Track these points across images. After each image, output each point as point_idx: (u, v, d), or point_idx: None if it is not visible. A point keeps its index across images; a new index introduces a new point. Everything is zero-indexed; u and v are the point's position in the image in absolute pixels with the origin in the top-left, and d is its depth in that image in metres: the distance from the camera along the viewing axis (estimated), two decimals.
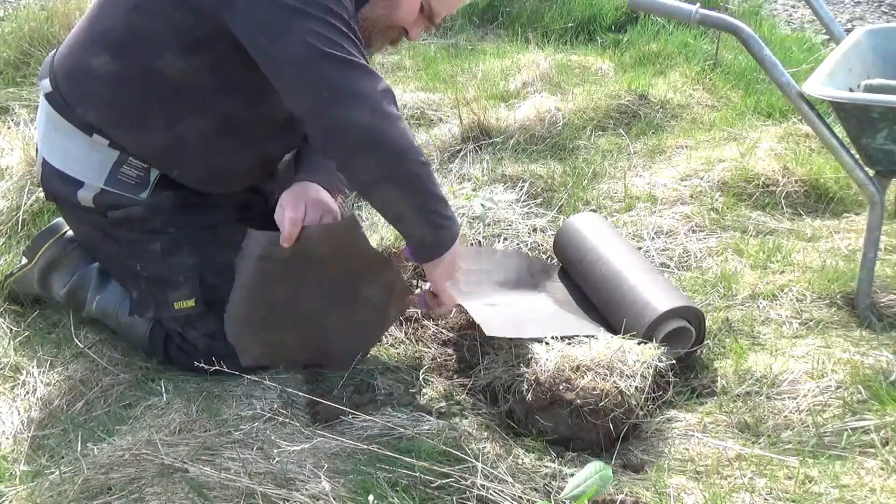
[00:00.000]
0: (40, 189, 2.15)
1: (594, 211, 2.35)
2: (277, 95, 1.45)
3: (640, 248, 2.14)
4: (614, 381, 1.52)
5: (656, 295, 1.71)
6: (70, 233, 1.82)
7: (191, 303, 1.63)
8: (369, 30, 1.57)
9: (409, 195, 1.49)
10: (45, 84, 1.61)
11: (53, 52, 1.66)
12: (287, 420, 1.52)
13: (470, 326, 1.83)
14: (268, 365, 1.66)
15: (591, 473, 1.12)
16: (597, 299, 1.85)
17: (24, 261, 1.83)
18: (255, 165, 1.71)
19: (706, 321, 1.75)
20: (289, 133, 1.69)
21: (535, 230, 2.21)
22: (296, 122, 1.63)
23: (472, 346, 1.77)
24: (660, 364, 1.60)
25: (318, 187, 1.64)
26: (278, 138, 1.70)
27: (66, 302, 1.80)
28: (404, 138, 1.44)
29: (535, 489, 1.36)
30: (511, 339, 1.66)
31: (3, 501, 1.35)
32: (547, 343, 1.61)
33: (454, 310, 1.82)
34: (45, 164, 1.65)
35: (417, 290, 1.81)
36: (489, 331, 1.62)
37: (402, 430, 1.48)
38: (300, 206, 1.57)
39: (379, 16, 1.56)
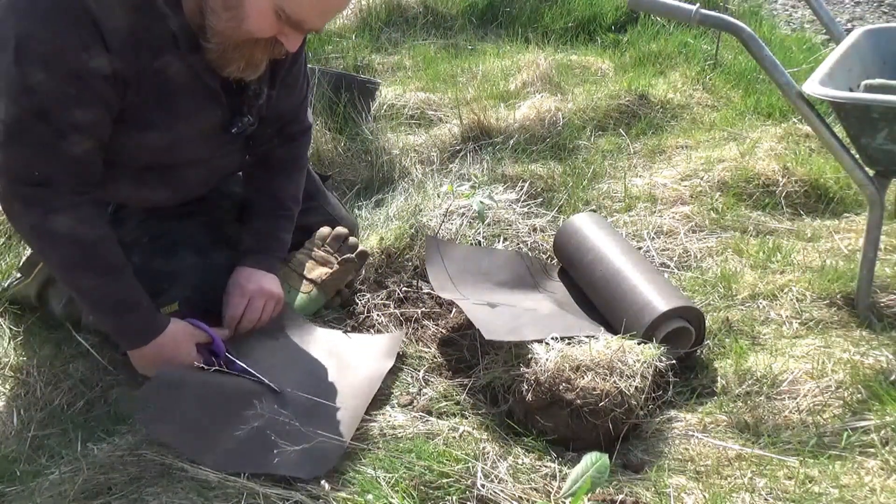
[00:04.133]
0: None
1: (594, 211, 2.35)
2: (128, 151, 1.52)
3: (640, 248, 2.14)
4: (614, 381, 1.52)
5: (656, 295, 1.71)
6: None
7: (174, 306, 1.65)
8: (223, 46, 1.42)
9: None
10: None
11: None
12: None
13: (470, 326, 1.83)
14: None
15: (587, 466, 1.11)
16: (597, 299, 1.85)
17: (18, 275, 1.84)
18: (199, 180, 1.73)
19: (706, 321, 1.75)
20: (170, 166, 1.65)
21: (535, 230, 2.21)
22: (177, 155, 1.60)
23: (472, 346, 1.77)
24: (660, 364, 1.60)
25: (261, 274, 1.72)
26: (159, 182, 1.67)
27: (65, 316, 1.80)
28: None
29: (535, 489, 1.36)
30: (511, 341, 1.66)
31: (4, 501, 1.35)
32: (547, 343, 1.61)
33: (454, 310, 1.82)
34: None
35: None
36: (488, 334, 1.62)
37: (402, 430, 1.48)
38: (243, 301, 1.68)
39: (227, 29, 1.39)
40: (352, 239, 1.94)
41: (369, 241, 2.10)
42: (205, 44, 1.43)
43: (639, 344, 1.62)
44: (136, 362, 1.57)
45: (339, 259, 1.88)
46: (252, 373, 1.58)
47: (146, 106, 1.46)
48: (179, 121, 1.52)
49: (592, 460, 1.12)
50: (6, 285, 1.85)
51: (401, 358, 1.75)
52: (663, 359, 1.61)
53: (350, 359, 1.69)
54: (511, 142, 2.73)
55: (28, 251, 1.88)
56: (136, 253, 1.66)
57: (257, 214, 1.78)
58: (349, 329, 1.83)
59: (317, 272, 1.91)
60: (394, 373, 1.70)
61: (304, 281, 1.89)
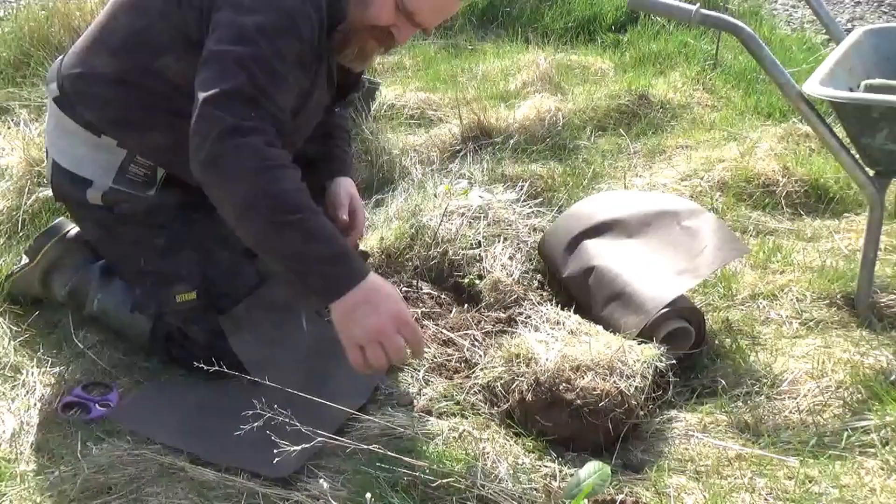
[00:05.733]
0: (40, 189, 2.15)
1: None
2: None
3: None
4: (614, 381, 1.52)
5: (654, 294, 1.71)
6: (72, 233, 1.82)
7: (192, 295, 1.65)
8: (346, 30, 1.53)
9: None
10: (53, 88, 1.65)
11: (62, 56, 1.70)
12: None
13: (470, 326, 1.83)
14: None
15: (590, 472, 1.12)
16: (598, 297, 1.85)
17: (25, 260, 1.84)
18: None
19: (706, 321, 1.75)
20: (289, 133, 1.69)
21: (534, 230, 2.21)
22: (298, 123, 1.63)
23: (471, 347, 1.77)
24: (660, 364, 1.60)
25: (351, 182, 1.85)
26: None
27: (68, 302, 1.80)
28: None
29: (535, 489, 1.36)
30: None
31: (4, 501, 1.35)
32: (546, 342, 1.62)
33: (454, 310, 1.80)
34: (54, 165, 1.69)
35: None
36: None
37: (402, 430, 1.48)
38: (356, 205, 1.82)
39: (354, 13, 1.51)
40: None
41: (369, 241, 2.10)
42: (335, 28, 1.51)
43: (639, 344, 1.62)
44: (345, 314, 1.34)
45: None
46: None
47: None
48: (316, 90, 1.59)
49: (595, 468, 1.13)
50: (11, 272, 1.86)
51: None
52: (663, 359, 1.61)
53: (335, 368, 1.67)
54: (511, 142, 2.72)
55: (35, 236, 1.87)
56: (162, 235, 1.66)
57: (325, 142, 1.86)
58: None
59: None
60: (394, 373, 1.70)
61: None
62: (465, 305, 1.95)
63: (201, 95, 1.36)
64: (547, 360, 1.55)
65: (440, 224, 2.10)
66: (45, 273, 1.81)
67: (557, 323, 1.75)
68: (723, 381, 1.66)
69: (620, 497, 1.34)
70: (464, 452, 1.40)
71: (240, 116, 1.34)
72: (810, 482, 1.37)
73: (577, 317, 1.78)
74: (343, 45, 1.55)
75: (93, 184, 1.63)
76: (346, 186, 1.83)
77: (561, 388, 1.51)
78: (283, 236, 1.33)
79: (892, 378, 1.57)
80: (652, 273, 1.79)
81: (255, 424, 1.33)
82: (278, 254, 1.36)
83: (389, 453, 1.38)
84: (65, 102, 1.63)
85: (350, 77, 1.73)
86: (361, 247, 1.99)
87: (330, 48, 1.55)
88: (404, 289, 1.97)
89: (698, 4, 1.75)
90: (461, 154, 2.66)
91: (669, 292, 1.70)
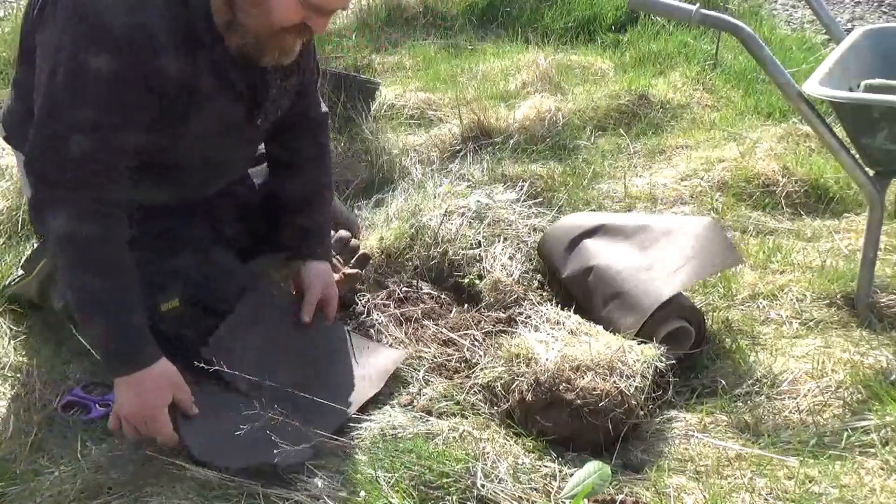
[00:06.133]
0: None
1: (594, 210, 2.34)
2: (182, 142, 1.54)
3: None
4: (614, 381, 1.52)
5: (652, 293, 1.71)
6: None
7: (175, 303, 1.64)
8: (259, 39, 1.49)
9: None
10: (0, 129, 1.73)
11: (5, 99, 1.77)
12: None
13: (470, 326, 1.83)
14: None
15: (590, 472, 1.12)
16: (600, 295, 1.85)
17: (20, 272, 1.84)
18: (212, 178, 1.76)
19: (706, 321, 1.75)
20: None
21: (534, 230, 2.21)
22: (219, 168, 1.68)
23: (471, 347, 1.77)
24: (660, 364, 1.60)
25: (328, 269, 1.79)
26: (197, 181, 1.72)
27: (65, 314, 1.80)
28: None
29: (535, 489, 1.36)
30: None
31: (4, 501, 1.35)
32: (546, 342, 1.62)
33: (454, 310, 1.81)
34: (28, 203, 1.69)
35: None
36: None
37: (402, 430, 1.48)
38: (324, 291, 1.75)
39: (258, 24, 1.47)
40: (353, 242, 1.94)
41: (369, 241, 2.10)
42: (237, 39, 1.49)
43: (639, 344, 1.62)
44: (118, 392, 1.47)
45: (343, 272, 1.89)
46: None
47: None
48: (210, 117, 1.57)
49: (595, 468, 1.13)
50: (8, 283, 1.85)
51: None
52: (663, 359, 1.61)
53: (347, 364, 1.70)
54: (511, 142, 2.73)
55: (30, 249, 1.87)
56: (136, 249, 1.65)
57: (302, 211, 1.81)
58: (349, 328, 1.83)
59: None
60: (394, 373, 1.70)
61: None
62: (465, 305, 1.95)
63: None
64: (547, 360, 1.55)
65: (440, 224, 2.10)
66: (42, 286, 1.80)
67: (557, 323, 1.75)
68: (723, 381, 1.66)
69: (620, 497, 1.34)
70: (464, 452, 1.40)
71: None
72: (810, 482, 1.37)
73: (577, 317, 1.78)
74: (260, 52, 1.52)
75: None
76: (319, 276, 1.76)
77: (561, 388, 1.51)
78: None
79: (892, 378, 1.57)
80: (651, 272, 1.79)
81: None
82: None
83: (389, 453, 1.38)
84: (10, 138, 1.72)
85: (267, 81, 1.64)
86: (363, 249, 1.99)
87: (231, 62, 1.52)
88: (404, 289, 1.96)
89: (698, 4, 1.75)
90: (461, 154, 2.66)
91: (666, 290, 1.70)
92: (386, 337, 1.81)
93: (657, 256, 1.81)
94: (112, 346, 1.46)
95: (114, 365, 1.46)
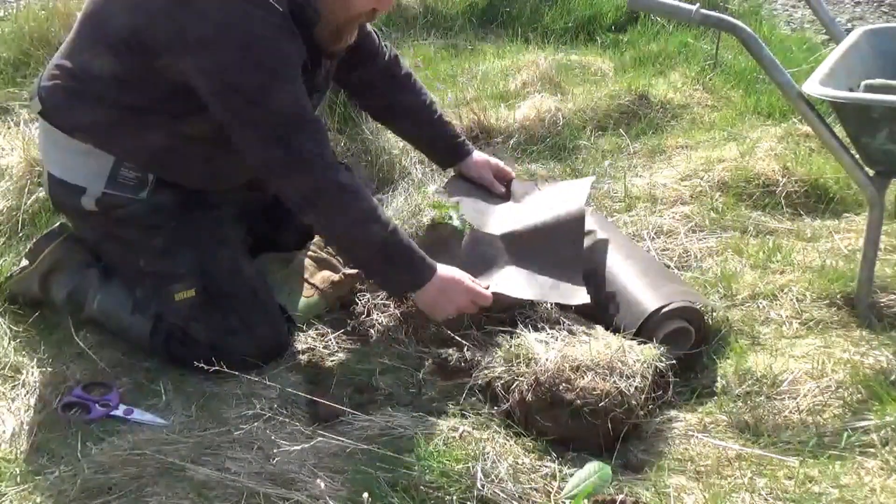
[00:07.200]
0: (40, 189, 2.16)
1: (594, 210, 2.34)
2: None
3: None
4: (614, 381, 1.52)
5: (652, 294, 1.71)
6: (71, 236, 1.83)
7: (191, 292, 1.68)
8: (339, 27, 1.64)
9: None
10: (36, 103, 1.67)
11: (40, 75, 1.72)
12: (287, 420, 1.53)
13: (470, 326, 1.83)
14: None
15: (590, 473, 1.12)
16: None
17: (25, 262, 1.84)
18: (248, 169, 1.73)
19: (706, 321, 1.75)
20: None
21: None
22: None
23: (472, 347, 1.76)
24: (660, 364, 1.59)
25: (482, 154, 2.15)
26: None
27: (66, 304, 1.81)
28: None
29: (535, 489, 1.36)
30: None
31: (3, 501, 1.35)
32: (546, 343, 1.61)
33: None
34: (49, 176, 1.72)
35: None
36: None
37: (402, 430, 1.48)
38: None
39: (338, 11, 1.61)
40: None
41: None
42: (319, 30, 1.61)
43: (639, 344, 1.62)
44: (427, 299, 1.71)
45: (343, 272, 1.89)
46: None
47: None
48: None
49: (595, 468, 1.13)
50: (10, 274, 1.86)
51: (401, 357, 1.75)
52: (663, 359, 1.61)
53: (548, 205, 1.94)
54: (511, 142, 2.73)
55: (34, 239, 1.88)
56: (159, 237, 1.69)
57: (440, 117, 2.10)
58: (350, 328, 1.84)
59: (319, 276, 1.91)
60: (394, 373, 1.70)
61: (306, 284, 1.89)
62: None
63: None
64: (547, 360, 1.55)
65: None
66: (44, 276, 1.81)
67: (557, 323, 1.75)
68: (723, 381, 1.66)
69: (620, 497, 1.34)
70: (464, 452, 1.40)
71: None
72: (810, 482, 1.37)
73: (577, 317, 1.78)
74: (336, 38, 1.66)
75: (86, 190, 1.66)
76: (485, 161, 2.11)
77: (561, 388, 1.51)
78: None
79: (892, 378, 1.57)
80: (650, 272, 1.79)
81: None
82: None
83: (389, 453, 1.38)
84: (50, 114, 1.65)
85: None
86: None
87: (318, 50, 1.65)
88: None
89: (698, 4, 1.75)
90: None
91: (665, 290, 1.70)
92: (386, 336, 1.81)
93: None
94: (416, 262, 1.68)
95: (425, 275, 1.69)
